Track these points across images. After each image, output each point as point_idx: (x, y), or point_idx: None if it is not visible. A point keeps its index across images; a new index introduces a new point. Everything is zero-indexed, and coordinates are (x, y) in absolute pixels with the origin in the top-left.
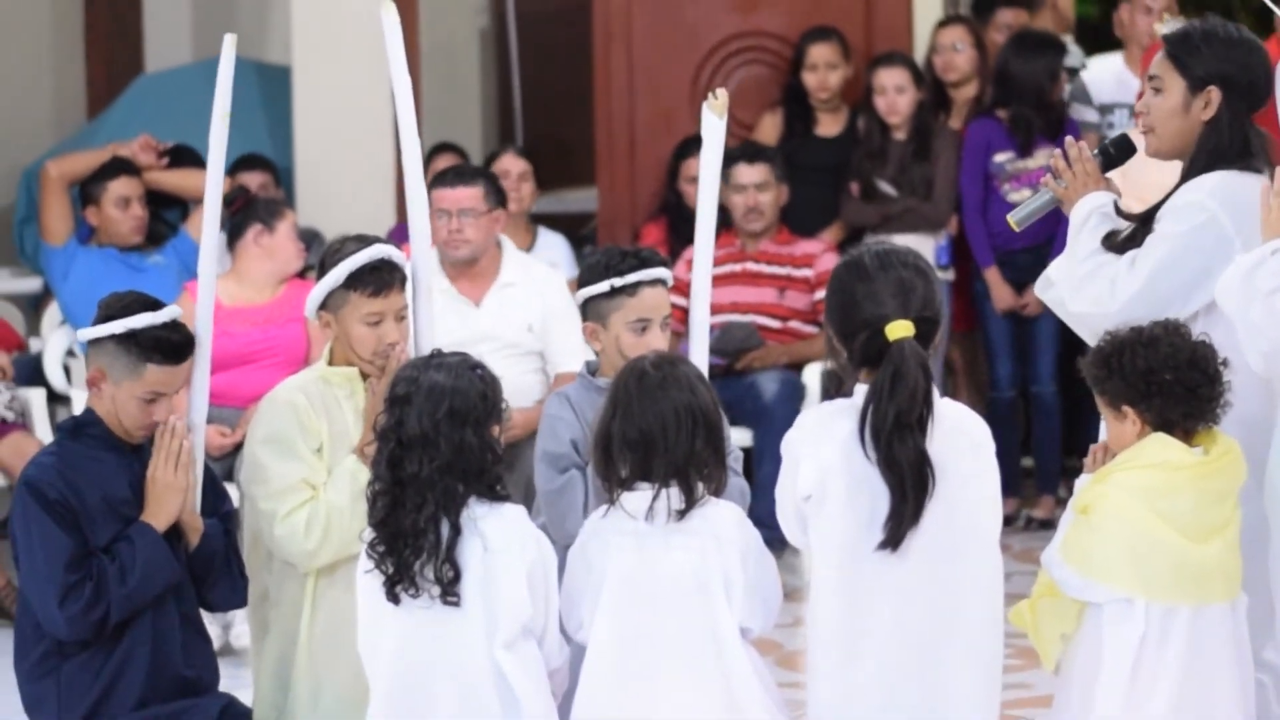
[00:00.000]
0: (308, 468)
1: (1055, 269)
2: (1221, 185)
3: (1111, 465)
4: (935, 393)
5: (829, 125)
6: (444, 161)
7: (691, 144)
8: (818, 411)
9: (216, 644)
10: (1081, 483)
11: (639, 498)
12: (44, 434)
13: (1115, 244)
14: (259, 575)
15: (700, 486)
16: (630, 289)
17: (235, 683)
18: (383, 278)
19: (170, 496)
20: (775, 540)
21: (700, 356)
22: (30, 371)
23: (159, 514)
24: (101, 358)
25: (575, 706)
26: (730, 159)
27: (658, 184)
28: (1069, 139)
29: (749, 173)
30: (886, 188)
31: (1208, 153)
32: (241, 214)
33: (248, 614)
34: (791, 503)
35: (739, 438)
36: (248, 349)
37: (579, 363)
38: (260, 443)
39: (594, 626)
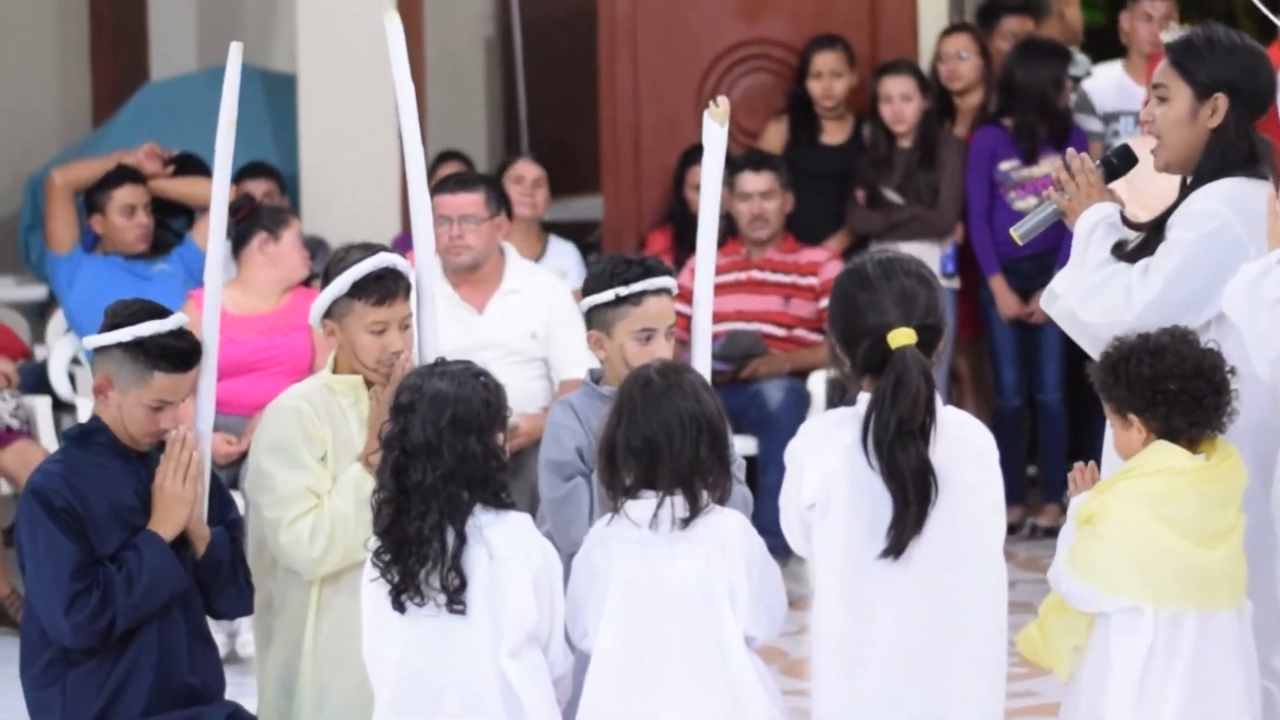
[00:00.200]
0: (312, 476)
1: (1060, 282)
2: (1232, 191)
3: (1115, 475)
4: (938, 401)
5: (834, 133)
6: (449, 169)
7: (696, 152)
8: (821, 420)
9: (222, 652)
10: (1075, 503)
11: (644, 506)
12: (49, 442)
13: (1126, 253)
14: (264, 583)
15: (705, 495)
16: (635, 298)
17: (241, 690)
18: (387, 286)
19: (177, 507)
20: (780, 548)
21: (702, 364)
22: (35, 379)
23: (166, 523)
24: (108, 365)
25: (580, 714)
26: (735, 167)
27: (663, 192)
28: (1071, 151)
29: (754, 181)
30: (892, 195)
31: (1216, 160)
32: (246, 222)
33: (253, 622)
34: (795, 511)
35: (744, 446)
36: (253, 357)
37: (583, 370)
38: (265, 451)
39: (599, 634)
